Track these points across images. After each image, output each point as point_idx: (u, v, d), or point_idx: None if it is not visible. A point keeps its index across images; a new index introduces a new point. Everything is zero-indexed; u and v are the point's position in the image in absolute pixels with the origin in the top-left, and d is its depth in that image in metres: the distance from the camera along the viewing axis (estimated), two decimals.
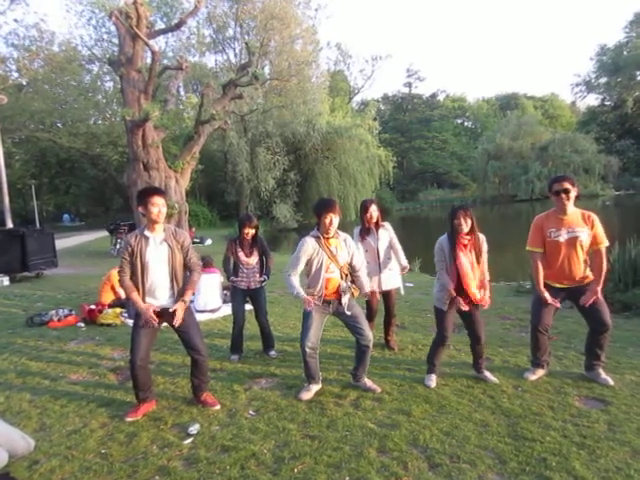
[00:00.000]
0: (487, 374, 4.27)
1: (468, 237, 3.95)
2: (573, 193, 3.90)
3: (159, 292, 3.71)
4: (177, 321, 3.67)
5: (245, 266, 5.11)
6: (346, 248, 3.95)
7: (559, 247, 3.96)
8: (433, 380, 4.17)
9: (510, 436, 3.23)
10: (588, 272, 4.03)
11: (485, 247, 4.08)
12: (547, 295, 4.01)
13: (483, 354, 4.29)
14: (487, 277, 4.12)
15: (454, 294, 3.99)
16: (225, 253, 5.22)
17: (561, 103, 75.66)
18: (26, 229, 12.50)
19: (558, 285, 4.06)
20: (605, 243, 3.95)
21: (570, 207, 3.93)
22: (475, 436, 3.24)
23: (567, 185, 3.88)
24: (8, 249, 11.54)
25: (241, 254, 5.11)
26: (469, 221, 3.90)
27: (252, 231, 5.13)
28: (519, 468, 2.85)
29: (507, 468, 2.85)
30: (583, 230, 3.90)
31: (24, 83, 27.54)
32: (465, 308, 3.99)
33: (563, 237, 3.93)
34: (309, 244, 3.87)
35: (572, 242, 3.92)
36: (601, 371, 4.11)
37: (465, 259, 3.95)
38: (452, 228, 3.97)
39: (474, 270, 3.98)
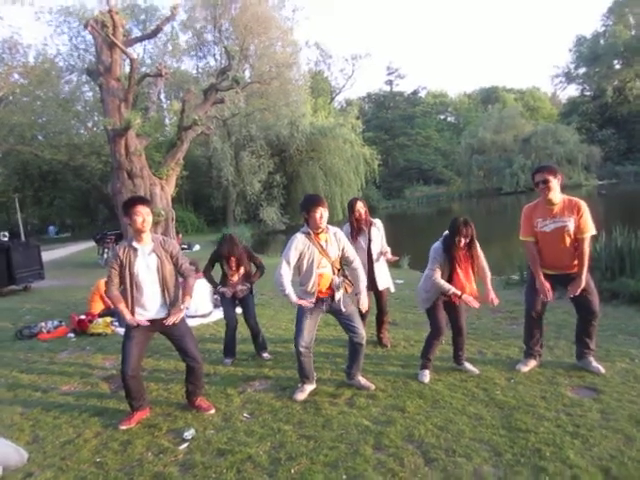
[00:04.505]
0: (467, 365, 4.33)
1: (465, 248, 4.04)
2: (554, 182, 3.87)
3: (150, 303, 3.69)
4: (169, 322, 3.63)
5: (230, 278, 5.18)
6: (336, 242, 3.94)
7: (546, 237, 3.98)
8: (427, 375, 4.19)
9: (504, 428, 3.25)
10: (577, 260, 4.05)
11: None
12: (545, 284, 4.03)
13: (464, 346, 4.34)
14: (488, 275, 4.26)
15: (459, 293, 4.05)
16: (206, 264, 5.25)
17: (541, 95, 76.17)
18: (11, 242, 12.32)
19: (548, 271, 4.09)
20: (590, 232, 3.90)
21: (555, 196, 3.92)
22: (470, 429, 3.26)
23: (546, 176, 3.86)
24: None
25: (225, 267, 5.18)
26: (464, 240, 3.97)
27: (235, 259, 5.16)
28: (514, 459, 2.86)
29: (502, 460, 2.87)
30: (570, 219, 3.89)
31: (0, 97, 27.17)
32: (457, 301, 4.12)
33: (549, 227, 3.95)
34: (299, 240, 3.87)
35: (559, 232, 3.92)
36: (592, 359, 4.14)
37: (461, 272, 4.03)
38: (452, 241, 3.99)
39: (469, 280, 4.07)
